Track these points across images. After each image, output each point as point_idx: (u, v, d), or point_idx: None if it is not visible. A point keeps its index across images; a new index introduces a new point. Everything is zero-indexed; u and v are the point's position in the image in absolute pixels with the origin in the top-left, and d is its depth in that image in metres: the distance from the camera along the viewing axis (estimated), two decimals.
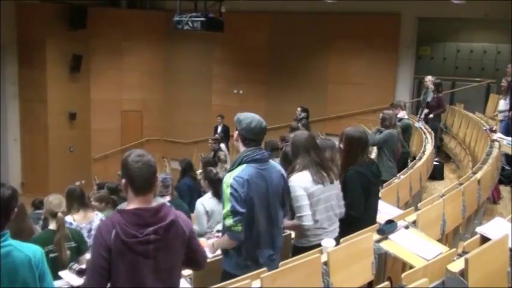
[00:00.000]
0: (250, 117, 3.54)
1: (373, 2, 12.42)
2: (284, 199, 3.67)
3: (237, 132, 3.58)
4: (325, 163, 4.07)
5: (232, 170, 3.51)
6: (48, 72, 14.24)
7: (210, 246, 3.75)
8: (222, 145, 11.58)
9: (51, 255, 4.42)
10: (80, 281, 4.15)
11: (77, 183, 10.48)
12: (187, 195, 8.24)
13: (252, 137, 3.52)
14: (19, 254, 2.76)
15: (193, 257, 2.89)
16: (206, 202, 5.69)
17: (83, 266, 4.26)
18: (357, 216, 4.15)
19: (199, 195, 7.89)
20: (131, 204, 2.72)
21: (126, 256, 2.62)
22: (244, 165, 3.47)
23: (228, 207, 3.38)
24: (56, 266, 4.26)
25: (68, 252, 4.48)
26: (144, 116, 15.98)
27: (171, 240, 2.72)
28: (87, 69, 15.07)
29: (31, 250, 2.84)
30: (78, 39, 14.45)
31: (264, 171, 3.52)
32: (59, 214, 4.52)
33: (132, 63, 15.53)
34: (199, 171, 9.46)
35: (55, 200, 4.68)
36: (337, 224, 4.08)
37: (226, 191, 3.39)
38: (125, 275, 2.64)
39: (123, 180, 2.74)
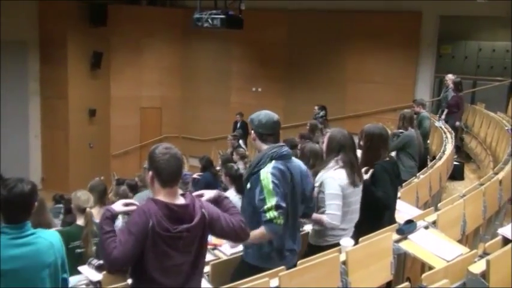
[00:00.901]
0: (260, 114, 3.61)
1: (394, 0, 12.34)
2: (307, 195, 3.66)
3: (252, 131, 3.62)
4: (357, 164, 4.05)
5: (262, 166, 3.51)
6: (69, 69, 14.37)
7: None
8: (241, 142, 11.60)
9: (78, 250, 4.50)
10: (99, 276, 4.19)
11: (102, 177, 10.53)
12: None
13: (267, 131, 3.56)
14: (42, 240, 2.85)
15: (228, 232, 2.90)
16: (232, 199, 5.71)
17: (102, 262, 4.30)
18: (386, 205, 4.18)
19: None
20: (158, 196, 2.76)
21: (157, 246, 2.67)
22: (274, 161, 3.49)
23: (273, 201, 3.38)
24: (82, 261, 4.33)
25: (94, 248, 4.54)
26: (163, 113, 16.05)
27: (199, 234, 2.79)
28: (107, 66, 15.19)
29: (52, 236, 2.96)
30: (98, 36, 14.57)
31: (289, 166, 3.54)
32: (87, 210, 4.60)
33: (151, 60, 15.60)
34: (218, 168, 9.50)
35: (83, 196, 4.75)
36: (353, 225, 4.06)
37: (268, 186, 3.40)
38: (155, 262, 2.69)
39: (150, 173, 2.77)
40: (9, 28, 13.26)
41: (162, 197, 2.74)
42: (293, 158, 3.70)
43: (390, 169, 4.29)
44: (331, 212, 3.83)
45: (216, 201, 3.00)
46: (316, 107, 12.16)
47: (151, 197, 2.79)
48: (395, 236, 3.87)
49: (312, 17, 13.71)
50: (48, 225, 4.87)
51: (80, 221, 4.65)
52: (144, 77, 15.62)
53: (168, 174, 2.74)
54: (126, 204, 2.88)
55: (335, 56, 13.88)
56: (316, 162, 4.98)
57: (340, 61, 13.83)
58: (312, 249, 3.91)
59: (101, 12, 14.38)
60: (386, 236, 3.71)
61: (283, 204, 3.38)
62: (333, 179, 3.88)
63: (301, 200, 3.63)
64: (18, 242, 2.77)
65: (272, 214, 3.37)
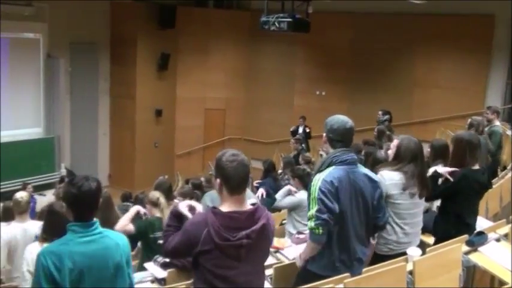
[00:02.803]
0: (334, 118, 3.58)
1: (464, 2, 11.91)
2: (374, 204, 3.58)
3: (324, 134, 3.59)
4: (425, 175, 3.96)
5: (321, 171, 3.49)
6: (137, 69, 14.74)
7: (298, 258, 3.70)
8: (304, 146, 11.58)
9: (160, 241, 4.67)
10: (164, 273, 4.28)
11: (166, 176, 10.77)
12: (267, 196, 8.29)
13: (337, 138, 3.52)
14: (109, 240, 2.89)
15: None
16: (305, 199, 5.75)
17: (167, 259, 4.40)
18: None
19: None
20: (226, 203, 2.76)
21: (215, 256, 2.67)
22: (333, 166, 3.45)
23: (313, 210, 3.36)
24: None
25: None
26: (226, 115, 16.20)
27: (261, 243, 2.76)
28: (174, 68, 15.49)
29: (118, 237, 2.99)
30: (166, 38, 14.88)
31: (353, 173, 3.48)
32: (160, 199, 4.84)
33: (217, 62, 15.79)
34: (279, 171, 9.52)
35: (156, 193, 5.02)
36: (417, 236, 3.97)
37: (314, 193, 3.39)
38: (215, 271, 2.70)
39: (218, 180, 2.77)
40: (82, 30, 13.81)
41: (228, 204, 2.75)
42: (359, 164, 3.64)
43: (473, 178, 4.14)
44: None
45: None
46: (380, 112, 11.96)
47: (211, 208, 2.79)
48: (465, 248, 3.75)
49: (378, 20, 13.48)
50: (116, 221, 5.04)
51: (157, 214, 4.90)
52: (210, 79, 15.82)
53: (236, 181, 2.73)
54: (191, 208, 2.95)
55: (402, 60, 13.58)
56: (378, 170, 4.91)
57: (407, 65, 13.52)
58: (377, 257, 3.85)
59: (170, 14, 14.70)
60: (455, 248, 3.60)
61: (324, 216, 3.31)
62: (382, 177, 3.85)
63: (368, 208, 3.56)
64: (86, 240, 2.81)
65: (311, 224, 3.36)
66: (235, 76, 16.00)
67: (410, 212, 3.89)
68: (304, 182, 5.66)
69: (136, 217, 5.00)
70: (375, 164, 5.07)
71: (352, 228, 3.46)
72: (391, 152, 4.23)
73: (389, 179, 3.83)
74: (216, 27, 15.42)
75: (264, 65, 15.72)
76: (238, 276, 2.72)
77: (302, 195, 5.71)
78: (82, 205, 2.84)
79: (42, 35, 13.29)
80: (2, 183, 11.55)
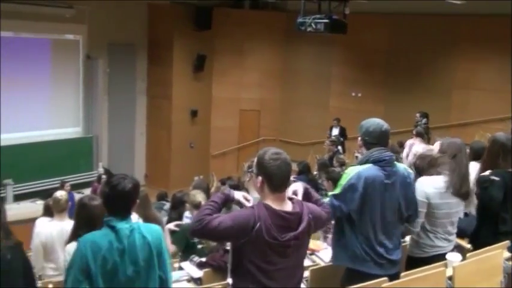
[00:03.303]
0: (371, 121, 3.57)
1: (504, 3, 11.55)
2: (406, 202, 3.55)
3: (359, 138, 3.58)
4: (467, 174, 3.90)
5: (357, 165, 3.53)
6: (174, 70, 14.91)
7: None
8: (340, 147, 11.50)
9: (199, 246, 4.72)
10: (200, 273, 4.32)
11: (201, 176, 10.84)
12: None
13: (373, 140, 3.51)
14: (139, 236, 2.92)
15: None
16: None
17: (203, 259, 4.44)
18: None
19: None
20: (267, 201, 2.77)
21: (261, 252, 2.70)
22: (370, 164, 3.45)
23: (333, 191, 3.46)
24: (204, 255, 4.54)
25: (213, 244, 4.75)
26: (261, 116, 16.22)
27: (305, 240, 2.84)
28: (210, 68, 15.60)
29: (151, 231, 2.99)
30: (203, 39, 15.01)
31: (388, 172, 3.46)
32: (202, 203, 4.83)
33: (252, 63, 15.82)
34: (314, 173, 9.48)
35: (197, 194, 5.02)
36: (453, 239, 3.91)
37: (344, 180, 3.43)
38: (260, 266, 2.72)
39: (260, 178, 2.78)
40: (120, 31, 14.05)
41: (270, 202, 2.76)
42: (397, 163, 3.60)
43: (503, 181, 4.05)
44: (417, 219, 3.75)
45: (306, 194, 3.00)
46: (417, 114, 11.81)
47: (262, 202, 2.79)
48: (506, 254, 3.67)
49: (415, 20, 13.29)
50: (154, 219, 5.10)
51: None
52: (245, 80, 15.88)
53: (279, 180, 2.75)
54: (246, 199, 2.94)
55: (440, 62, 13.34)
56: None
57: (446, 67, 13.27)
58: (411, 260, 3.80)
59: (206, 16, 14.81)
60: (496, 254, 3.52)
61: (336, 203, 3.38)
62: (422, 184, 3.79)
63: (400, 207, 3.53)
64: (120, 235, 2.85)
65: (324, 199, 3.39)
66: (270, 77, 16.01)
67: (446, 220, 3.84)
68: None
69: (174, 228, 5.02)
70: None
71: (377, 225, 3.45)
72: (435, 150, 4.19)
73: (430, 186, 3.77)
74: (251, 29, 15.46)
75: (299, 65, 15.67)
76: (280, 270, 2.75)
77: None
78: (115, 203, 2.90)
79: (81, 36, 13.59)
80: (42, 181, 11.83)
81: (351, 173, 3.44)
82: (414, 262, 3.73)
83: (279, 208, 2.73)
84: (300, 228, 2.72)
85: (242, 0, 15.82)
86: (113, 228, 2.87)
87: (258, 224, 2.66)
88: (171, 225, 5.04)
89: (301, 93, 15.54)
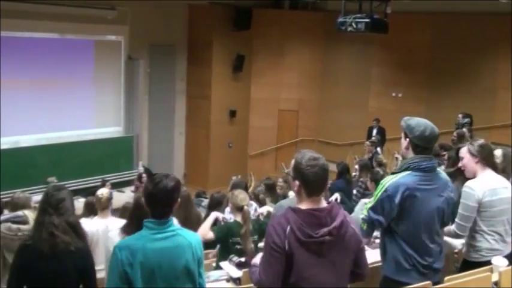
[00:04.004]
0: (423, 124, 3.41)
1: None
2: (445, 213, 3.48)
3: (407, 139, 3.44)
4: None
5: (396, 173, 3.43)
6: (213, 70, 14.98)
7: None
8: (379, 148, 11.37)
9: (238, 246, 4.72)
10: (239, 273, 4.32)
11: (238, 176, 10.87)
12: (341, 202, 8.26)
13: (425, 145, 3.40)
14: (182, 239, 2.92)
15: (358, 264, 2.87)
16: None
17: (242, 259, 4.44)
18: None
19: (349, 198, 7.85)
20: (303, 204, 2.76)
21: (299, 254, 2.67)
22: (409, 172, 3.36)
23: (369, 204, 3.40)
24: (242, 256, 4.53)
25: (252, 245, 4.74)
26: (300, 116, 16.16)
27: (343, 239, 2.74)
28: (249, 69, 15.63)
29: (192, 236, 3.00)
30: (242, 39, 15.05)
31: (429, 180, 3.37)
32: (245, 208, 4.80)
33: (291, 63, 15.78)
34: (353, 174, 9.40)
35: (240, 194, 4.98)
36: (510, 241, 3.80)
37: (380, 191, 3.37)
38: (297, 270, 2.69)
39: (296, 182, 2.76)
40: (161, 32, 14.23)
41: (307, 204, 2.74)
42: (438, 169, 3.52)
43: None
44: (459, 222, 3.73)
45: None
46: (460, 115, 11.59)
47: (290, 206, 2.78)
48: None
49: (458, 19, 12.99)
50: (197, 218, 5.13)
51: (238, 218, 4.87)
52: (284, 80, 15.84)
53: (316, 186, 2.73)
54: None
55: (484, 62, 13.01)
56: None
57: (490, 67, 12.93)
58: (467, 264, 3.73)
59: (246, 16, 14.85)
60: None
61: (374, 216, 3.34)
62: (470, 189, 3.70)
63: (438, 216, 3.45)
64: (158, 237, 2.86)
65: (361, 215, 3.40)
66: (309, 77, 15.93)
67: (500, 218, 3.75)
68: None
69: (216, 223, 5.00)
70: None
71: (420, 234, 3.38)
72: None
73: (478, 187, 3.69)
74: (290, 29, 15.42)
75: (338, 66, 15.54)
76: (320, 274, 2.71)
77: None
78: (156, 202, 2.90)
79: (123, 37, 13.80)
80: (83, 180, 12.08)
81: (386, 183, 3.37)
82: (471, 267, 3.66)
83: (313, 207, 2.72)
84: (334, 224, 2.68)
85: (281, 0, 15.80)
86: (151, 231, 2.88)
87: (289, 227, 2.65)
88: (220, 217, 4.98)
89: (340, 93, 15.40)
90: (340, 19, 9.93)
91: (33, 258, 3.18)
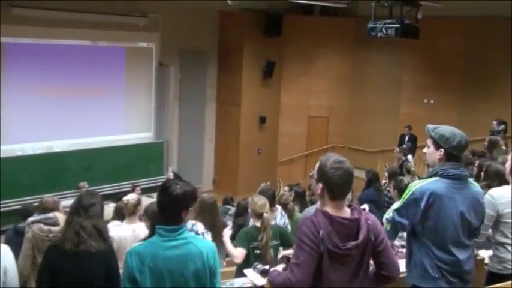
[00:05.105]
0: (457, 134, 3.36)
1: None
2: (472, 226, 3.39)
3: (441, 150, 3.36)
4: None
5: (423, 178, 3.40)
6: (243, 77, 15.01)
7: None
8: (409, 156, 11.20)
9: (257, 251, 4.71)
10: (263, 281, 4.29)
11: (267, 183, 10.85)
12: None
13: (459, 154, 3.37)
14: (193, 247, 2.90)
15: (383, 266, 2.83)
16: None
17: (266, 267, 4.41)
18: None
19: (378, 206, 7.75)
20: (326, 207, 2.74)
21: (324, 261, 2.66)
22: (437, 178, 3.30)
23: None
24: (261, 262, 4.52)
25: (271, 251, 4.72)
26: (329, 122, 16.06)
27: (365, 249, 2.73)
28: (279, 75, 15.63)
29: (205, 246, 2.97)
30: (272, 46, 15.05)
31: (457, 189, 3.30)
32: (264, 215, 4.78)
33: (321, 69, 15.71)
34: (383, 182, 9.28)
35: (260, 201, 4.96)
36: None
37: (407, 195, 3.33)
38: (317, 276, 2.67)
39: (320, 185, 2.73)
40: (191, 39, 14.36)
41: (329, 209, 2.71)
42: (470, 180, 3.44)
43: None
44: (481, 232, 3.63)
45: None
46: (494, 122, 11.33)
47: (320, 209, 2.75)
48: None
49: (492, 24, 12.73)
50: (222, 226, 5.13)
51: (257, 224, 4.85)
52: (314, 87, 15.79)
53: (340, 190, 2.70)
54: None
55: None
56: (502, 184, 4.60)
57: None
58: (492, 276, 3.63)
59: (277, 22, 14.86)
60: None
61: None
62: (492, 197, 3.67)
63: (466, 227, 3.37)
64: (169, 245, 2.86)
65: (387, 215, 3.36)
66: (339, 83, 15.83)
67: None
68: (402, 195, 5.55)
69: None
70: (494, 177, 4.79)
71: (446, 242, 3.31)
72: (508, 165, 3.97)
73: (500, 197, 3.60)
74: (321, 35, 15.36)
75: (369, 72, 15.41)
76: (338, 282, 2.69)
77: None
78: (164, 208, 2.91)
79: (154, 44, 13.96)
80: (114, 185, 12.23)
81: (413, 187, 3.34)
82: (496, 278, 3.57)
83: (337, 215, 2.69)
84: (361, 237, 2.66)
85: (312, 6, 15.76)
86: (162, 237, 2.88)
87: (321, 232, 2.62)
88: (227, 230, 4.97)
89: (371, 99, 15.26)
90: (370, 25, 9.85)
91: (59, 259, 3.27)
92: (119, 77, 13.55)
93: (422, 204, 3.25)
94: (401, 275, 3.72)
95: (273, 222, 5.29)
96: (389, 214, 3.41)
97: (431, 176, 3.35)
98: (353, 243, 2.64)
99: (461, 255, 3.34)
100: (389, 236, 3.38)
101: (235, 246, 4.71)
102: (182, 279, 2.86)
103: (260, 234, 4.72)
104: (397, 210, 3.34)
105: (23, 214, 6.24)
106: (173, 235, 2.89)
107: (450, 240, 3.31)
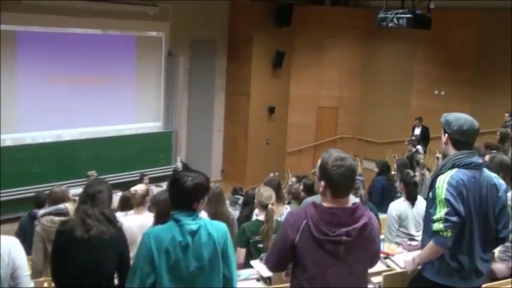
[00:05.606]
0: (462, 118, 3.30)
1: None
2: (495, 212, 3.32)
3: (446, 135, 3.33)
4: None
5: (442, 173, 3.28)
6: (252, 67, 14.95)
7: (411, 262, 3.53)
8: (419, 147, 11.14)
9: (259, 245, 4.69)
10: (269, 272, 4.28)
11: (276, 174, 10.83)
12: (379, 195, 8.20)
13: (465, 139, 3.27)
14: (206, 231, 2.90)
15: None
16: (399, 206, 5.60)
17: None
18: None
19: (390, 196, 7.74)
20: (327, 203, 2.68)
21: (313, 251, 2.60)
22: (456, 169, 3.23)
23: (442, 212, 3.16)
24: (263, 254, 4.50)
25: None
26: (339, 113, 15.98)
27: (363, 243, 2.64)
28: (288, 66, 15.53)
29: (216, 229, 2.96)
30: (282, 36, 14.96)
31: (476, 178, 3.24)
32: (270, 206, 4.76)
33: (331, 60, 15.61)
34: (393, 173, 9.25)
35: (266, 192, 4.93)
36: None
37: (441, 195, 3.19)
38: (311, 268, 2.62)
39: (322, 183, 2.67)
40: (201, 29, 14.29)
41: (328, 203, 2.66)
42: (485, 169, 3.38)
43: None
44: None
45: None
46: (506, 114, 11.24)
47: (312, 202, 2.71)
48: None
49: (505, 15, 12.56)
50: (225, 217, 5.10)
51: (262, 216, 4.82)
52: (324, 77, 15.69)
53: (343, 188, 2.64)
54: None
55: None
56: (506, 176, 4.53)
57: None
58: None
59: (287, 13, 14.76)
60: None
61: (453, 219, 3.13)
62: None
63: (489, 217, 3.30)
64: (185, 230, 2.85)
65: (438, 226, 3.15)
66: (350, 75, 15.73)
67: None
68: (408, 189, 5.56)
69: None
70: (498, 168, 4.73)
71: (471, 236, 3.25)
72: None
73: None
74: (331, 25, 15.25)
75: (380, 63, 15.29)
76: (334, 276, 2.62)
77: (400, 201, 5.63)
78: (176, 198, 2.93)
79: (164, 33, 13.92)
80: (122, 174, 12.26)
81: (443, 184, 3.21)
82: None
83: (330, 206, 2.64)
84: (355, 225, 2.59)
85: None
86: (177, 223, 2.88)
87: (305, 221, 2.59)
88: None
89: (381, 91, 15.16)
90: (381, 15, 9.74)
91: (67, 242, 3.27)
92: (129, 66, 13.54)
93: (459, 197, 3.17)
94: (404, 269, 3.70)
95: (279, 219, 5.29)
96: (437, 227, 3.18)
97: (450, 168, 3.27)
98: (343, 229, 2.56)
99: (478, 250, 3.28)
100: (448, 243, 3.19)
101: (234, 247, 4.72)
102: (197, 265, 2.87)
103: (262, 227, 4.70)
104: (447, 214, 3.15)
105: (35, 202, 6.41)
106: (188, 220, 2.88)
107: (472, 233, 3.25)
